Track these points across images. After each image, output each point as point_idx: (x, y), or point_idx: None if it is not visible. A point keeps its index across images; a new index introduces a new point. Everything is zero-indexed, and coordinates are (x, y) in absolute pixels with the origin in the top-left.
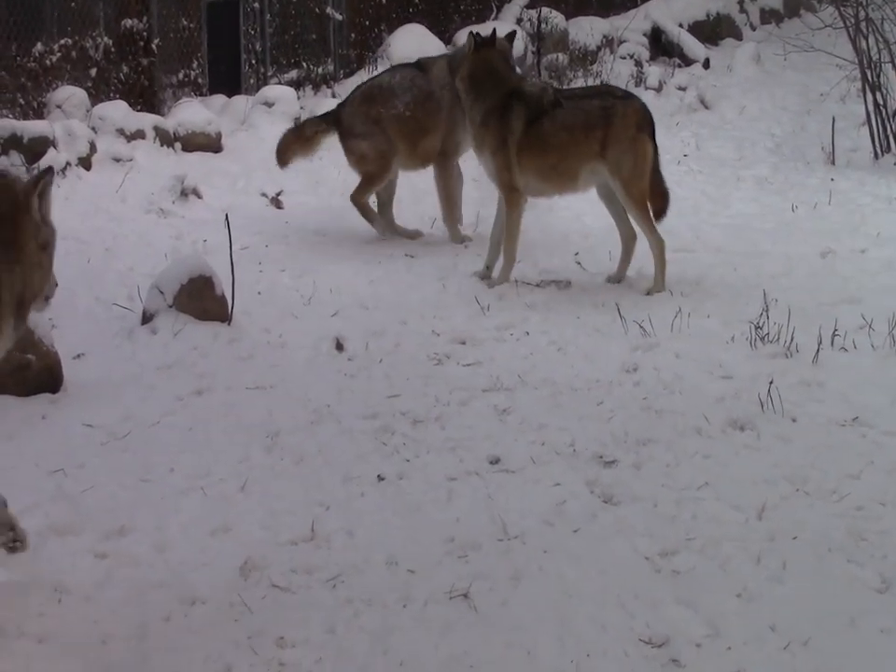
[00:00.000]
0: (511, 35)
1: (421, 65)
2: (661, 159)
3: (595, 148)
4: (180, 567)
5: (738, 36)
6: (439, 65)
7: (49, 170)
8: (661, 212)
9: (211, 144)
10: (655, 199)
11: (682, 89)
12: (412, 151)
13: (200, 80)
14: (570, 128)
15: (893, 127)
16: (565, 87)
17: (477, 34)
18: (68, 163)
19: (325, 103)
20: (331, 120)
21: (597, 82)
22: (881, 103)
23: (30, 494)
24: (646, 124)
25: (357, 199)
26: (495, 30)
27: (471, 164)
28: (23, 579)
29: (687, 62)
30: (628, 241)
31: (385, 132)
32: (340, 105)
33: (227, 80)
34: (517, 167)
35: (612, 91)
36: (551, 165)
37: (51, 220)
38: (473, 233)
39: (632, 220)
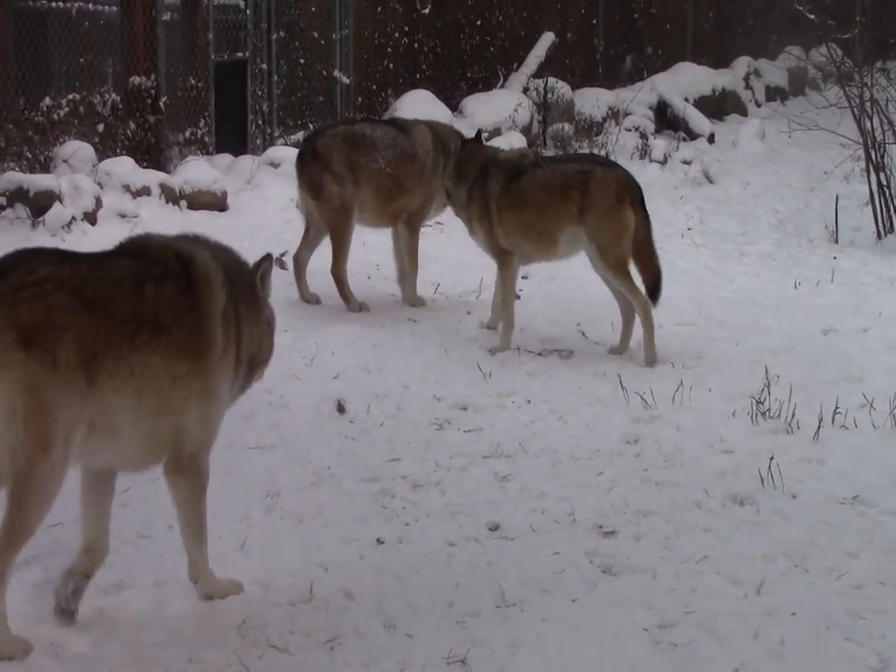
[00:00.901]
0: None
1: (400, 125)
2: (656, 232)
3: (573, 211)
4: (178, 625)
5: (743, 112)
6: (420, 129)
7: (268, 256)
8: (653, 290)
9: (216, 202)
10: (647, 274)
11: (687, 163)
12: (383, 209)
13: (206, 139)
14: (548, 188)
15: None
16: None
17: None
18: (73, 218)
19: None
20: (309, 153)
21: (602, 154)
22: (885, 183)
23: (27, 547)
24: (628, 194)
25: (337, 271)
26: (480, 130)
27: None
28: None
29: (692, 136)
30: (627, 312)
31: (359, 183)
32: (314, 136)
33: (233, 140)
34: (499, 226)
35: (595, 158)
36: (529, 224)
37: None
38: (476, 300)
39: (616, 287)
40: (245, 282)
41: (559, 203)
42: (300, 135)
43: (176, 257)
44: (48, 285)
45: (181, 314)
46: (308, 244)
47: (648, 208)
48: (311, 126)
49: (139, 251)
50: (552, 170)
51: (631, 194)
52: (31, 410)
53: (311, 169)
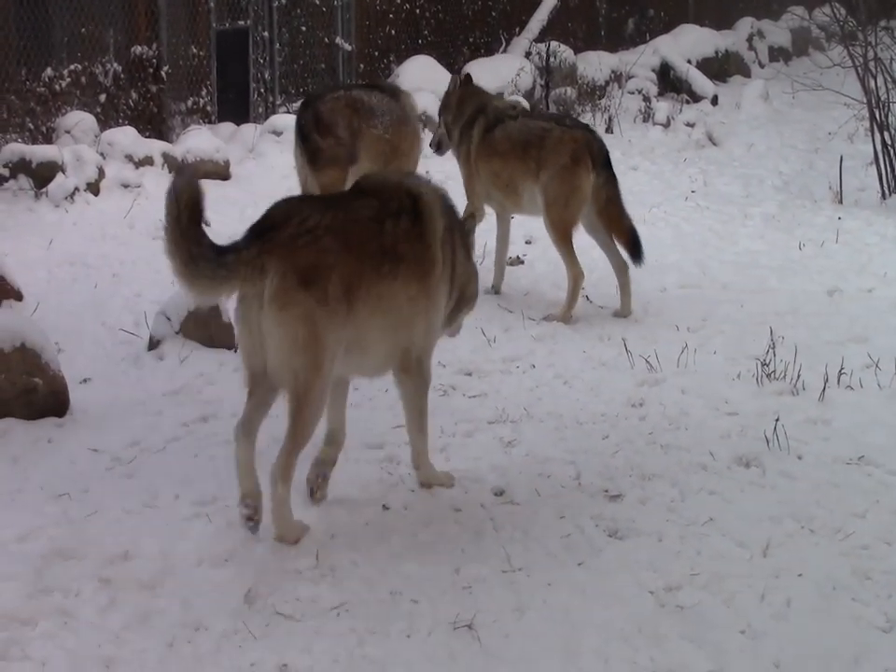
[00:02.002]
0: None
1: (388, 90)
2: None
3: (531, 167)
4: (184, 593)
5: (747, 74)
6: (406, 95)
7: (473, 215)
8: (632, 250)
9: (219, 171)
10: (621, 235)
11: (690, 125)
12: None
13: (208, 108)
14: (513, 142)
15: None
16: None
17: (465, 74)
18: (76, 188)
19: None
20: (310, 120)
21: (605, 117)
22: (889, 143)
23: (34, 517)
24: (585, 155)
25: None
26: (469, 74)
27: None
28: (27, 603)
29: (695, 98)
30: (620, 271)
31: (356, 147)
32: (314, 101)
33: (235, 108)
34: (477, 173)
35: (563, 119)
36: (497, 173)
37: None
38: (479, 265)
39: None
40: (457, 222)
41: (520, 157)
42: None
43: (407, 194)
44: (317, 231)
45: (412, 243)
46: None
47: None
48: None
49: (376, 191)
50: (520, 124)
51: (591, 156)
52: (308, 339)
53: (313, 135)
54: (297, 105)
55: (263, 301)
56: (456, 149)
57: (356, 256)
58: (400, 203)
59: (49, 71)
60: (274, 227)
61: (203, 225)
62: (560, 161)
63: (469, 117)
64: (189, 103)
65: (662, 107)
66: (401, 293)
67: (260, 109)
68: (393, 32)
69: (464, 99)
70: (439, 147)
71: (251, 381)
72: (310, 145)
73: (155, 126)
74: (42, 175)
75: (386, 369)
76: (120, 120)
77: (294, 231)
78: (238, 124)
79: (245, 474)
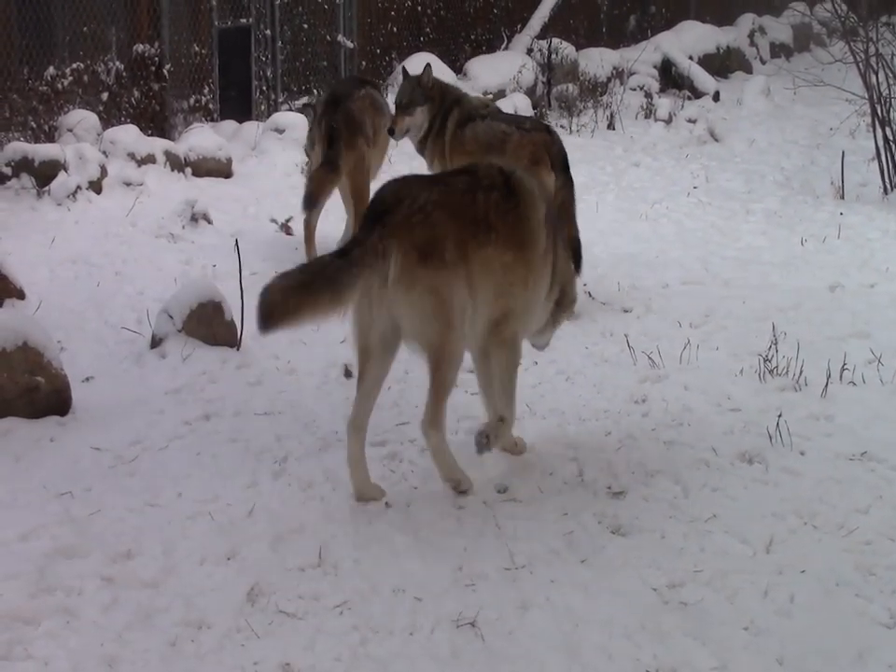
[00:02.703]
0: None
1: (376, 86)
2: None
3: None
4: (187, 592)
5: (748, 70)
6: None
7: None
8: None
9: (221, 169)
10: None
11: (692, 121)
12: (377, 170)
13: (211, 106)
14: (479, 141)
15: None
16: (572, 117)
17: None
18: (79, 187)
19: None
20: (341, 120)
21: (607, 113)
22: (891, 138)
23: (37, 516)
24: (545, 158)
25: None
26: (428, 64)
27: None
28: (30, 602)
29: (697, 94)
30: None
31: (373, 143)
32: (342, 99)
33: (238, 106)
34: (450, 166)
35: (524, 122)
36: None
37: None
38: None
39: None
40: (556, 219)
41: (483, 157)
42: (304, 100)
43: (499, 172)
44: (427, 207)
45: (504, 214)
46: (314, 209)
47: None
48: (316, 91)
49: (471, 170)
50: (486, 125)
51: (549, 158)
52: (436, 305)
53: (345, 132)
54: (300, 101)
55: (388, 281)
56: (432, 141)
57: (459, 224)
58: (492, 179)
59: (51, 70)
60: (388, 210)
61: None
62: (520, 163)
63: (447, 108)
64: (192, 101)
65: (663, 104)
66: (497, 260)
67: (263, 107)
68: (395, 29)
69: (443, 90)
70: (404, 133)
71: (362, 359)
72: (345, 141)
73: (157, 124)
74: (44, 174)
75: (484, 338)
76: (123, 119)
77: (407, 211)
78: (240, 122)
79: (357, 469)
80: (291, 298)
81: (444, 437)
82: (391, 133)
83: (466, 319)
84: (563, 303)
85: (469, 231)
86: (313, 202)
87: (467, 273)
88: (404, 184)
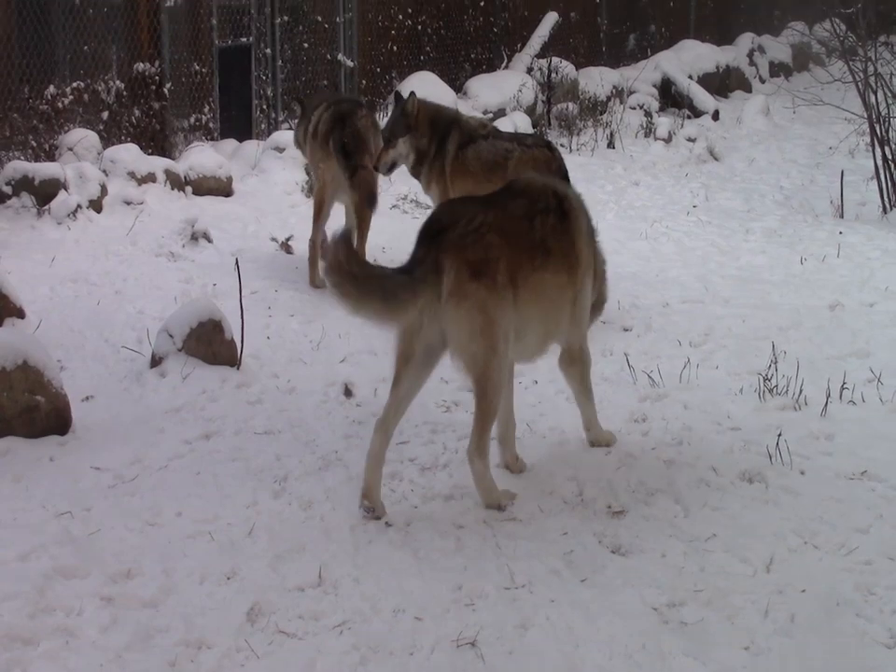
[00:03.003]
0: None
1: (359, 103)
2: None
3: (497, 186)
4: (187, 612)
5: (748, 89)
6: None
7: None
8: None
9: (222, 188)
10: None
11: (692, 140)
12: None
13: (211, 125)
14: (482, 160)
15: None
16: (572, 136)
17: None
18: (79, 206)
19: None
20: (350, 137)
21: (607, 132)
22: (890, 157)
23: (36, 536)
24: (546, 172)
25: (365, 245)
26: (412, 92)
27: None
28: (29, 622)
29: (696, 113)
30: None
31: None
32: (347, 116)
33: (238, 125)
34: (451, 191)
35: (525, 139)
36: (469, 192)
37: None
38: None
39: None
40: (593, 228)
41: (489, 179)
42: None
43: (553, 194)
44: (482, 229)
45: (559, 237)
46: (322, 226)
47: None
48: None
49: (525, 191)
50: (489, 144)
51: (550, 172)
52: (483, 324)
53: (352, 150)
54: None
55: (441, 296)
56: (429, 166)
57: (514, 248)
58: (547, 202)
59: (51, 89)
60: (444, 229)
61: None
62: None
63: (443, 131)
64: (192, 120)
65: (663, 122)
66: (552, 283)
67: (263, 126)
68: (395, 48)
69: (434, 115)
70: (391, 168)
71: (400, 363)
72: (351, 159)
73: (158, 143)
74: (45, 193)
75: (539, 353)
76: (123, 138)
77: (463, 231)
78: (241, 141)
79: (372, 467)
80: (347, 282)
81: (488, 464)
82: (376, 169)
83: (509, 346)
84: (597, 305)
85: (523, 256)
86: (374, 201)
87: (515, 298)
88: (462, 205)
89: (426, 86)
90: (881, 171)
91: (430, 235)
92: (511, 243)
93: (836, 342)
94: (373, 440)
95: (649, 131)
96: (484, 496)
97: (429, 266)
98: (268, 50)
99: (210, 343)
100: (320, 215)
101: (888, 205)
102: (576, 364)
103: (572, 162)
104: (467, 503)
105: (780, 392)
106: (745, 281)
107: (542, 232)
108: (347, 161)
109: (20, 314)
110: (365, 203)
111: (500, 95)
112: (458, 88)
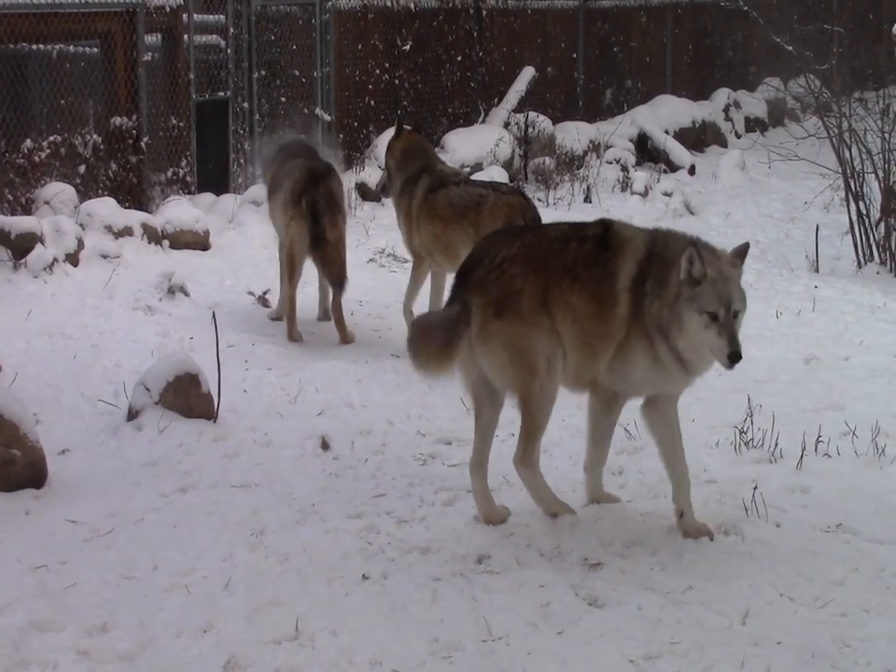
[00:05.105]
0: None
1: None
2: None
3: (469, 231)
4: (163, 666)
5: (723, 144)
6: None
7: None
8: None
9: (199, 242)
10: None
11: (668, 194)
12: None
13: (188, 178)
14: (454, 206)
15: (876, 236)
16: (549, 190)
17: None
18: (55, 259)
19: None
20: (323, 197)
21: (584, 186)
22: (864, 212)
23: (12, 590)
24: (518, 219)
25: (340, 301)
26: (400, 121)
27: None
28: None
29: (673, 167)
30: None
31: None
32: (322, 176)
33: (215, 179)
34: (416, 232)
35: (500, 186)
36: (437, 235)
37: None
38: None
39: None
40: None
41: (458, 222)
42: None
43: (600, 223)
44: (504, 265)
45: (592, 265)
46: (297, 280)
47: None
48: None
49: (575, 221)
50: (461, 190)
51: (524, 221)
52: (514, 354)
53: (327, 212)
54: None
55: (472, 336)
56: (396, 199)
57: (541, 273)
58: (589, 230)
59: (28, 142)
60: (472, 269)
61: None
62: (496, 224)
63: (413, 173)
64: (169, 173)
65: (640, 177)
66: (583, 308)
67: (240, 180)
68: (372, 102)
69: (408, 151)
70: (384, 189)
71: (476, 404)
72: (326, 220)
73: (135, 197)
74: (21, 246)
75: (576, 382)
76: (100, 191)
77: (486, 270)
78: (218, 195)
79: (484, 500)
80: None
81: (538, 472)
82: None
83: (556, 362)
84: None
85: (554, 278)
86: (343, 284)
87: (552, 318)
88: (490, 241)
89: None
90: (855, 226)
91: (463, 273)
92: (537, 268)
93: (812, 395)
94: (473, 482)
95: (625, 185)
96: (540, 502)
97: (460, 306)
98: (245, 104)
99: (187, 396)
100: (293, 271)
101: (862, 260)
102: (612, 411)
103: (549, 216)
104: (444, 555)
105: (756, 445)
106: None
107: (574, 257)
108: (315, 224)
109: None
110: (335, 286)
111: (477, 150)
112: (436, 142)
